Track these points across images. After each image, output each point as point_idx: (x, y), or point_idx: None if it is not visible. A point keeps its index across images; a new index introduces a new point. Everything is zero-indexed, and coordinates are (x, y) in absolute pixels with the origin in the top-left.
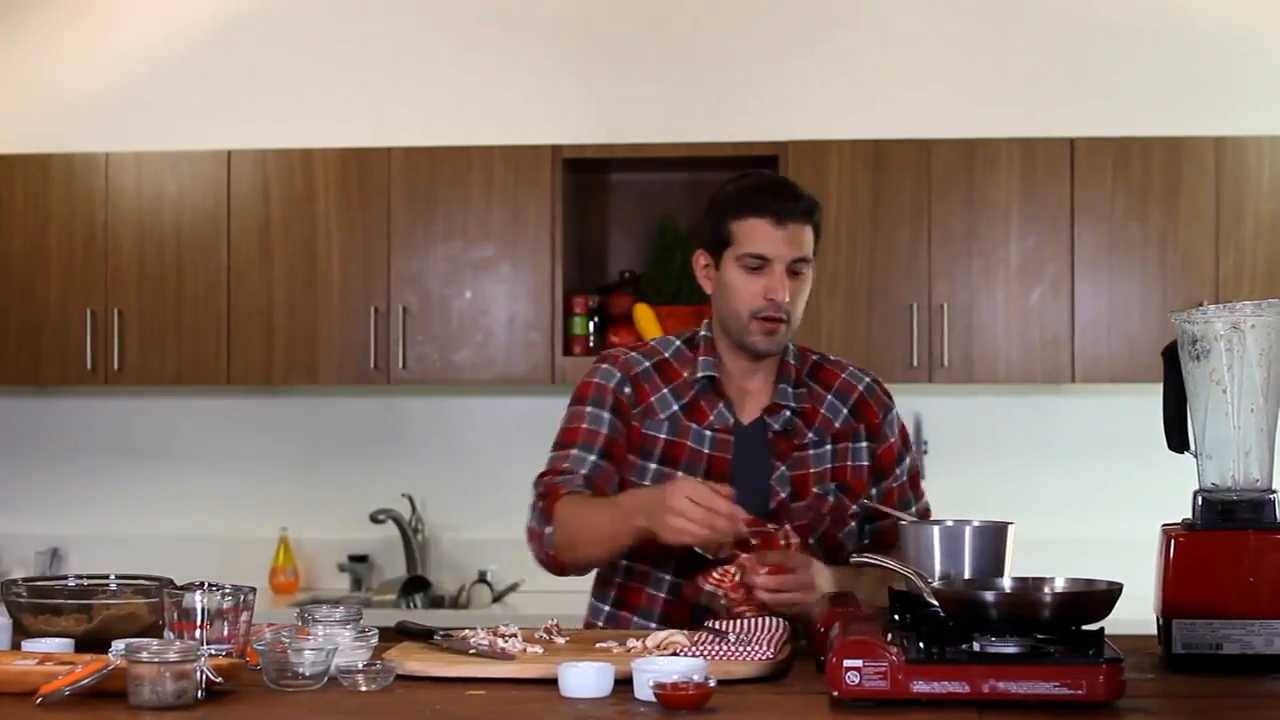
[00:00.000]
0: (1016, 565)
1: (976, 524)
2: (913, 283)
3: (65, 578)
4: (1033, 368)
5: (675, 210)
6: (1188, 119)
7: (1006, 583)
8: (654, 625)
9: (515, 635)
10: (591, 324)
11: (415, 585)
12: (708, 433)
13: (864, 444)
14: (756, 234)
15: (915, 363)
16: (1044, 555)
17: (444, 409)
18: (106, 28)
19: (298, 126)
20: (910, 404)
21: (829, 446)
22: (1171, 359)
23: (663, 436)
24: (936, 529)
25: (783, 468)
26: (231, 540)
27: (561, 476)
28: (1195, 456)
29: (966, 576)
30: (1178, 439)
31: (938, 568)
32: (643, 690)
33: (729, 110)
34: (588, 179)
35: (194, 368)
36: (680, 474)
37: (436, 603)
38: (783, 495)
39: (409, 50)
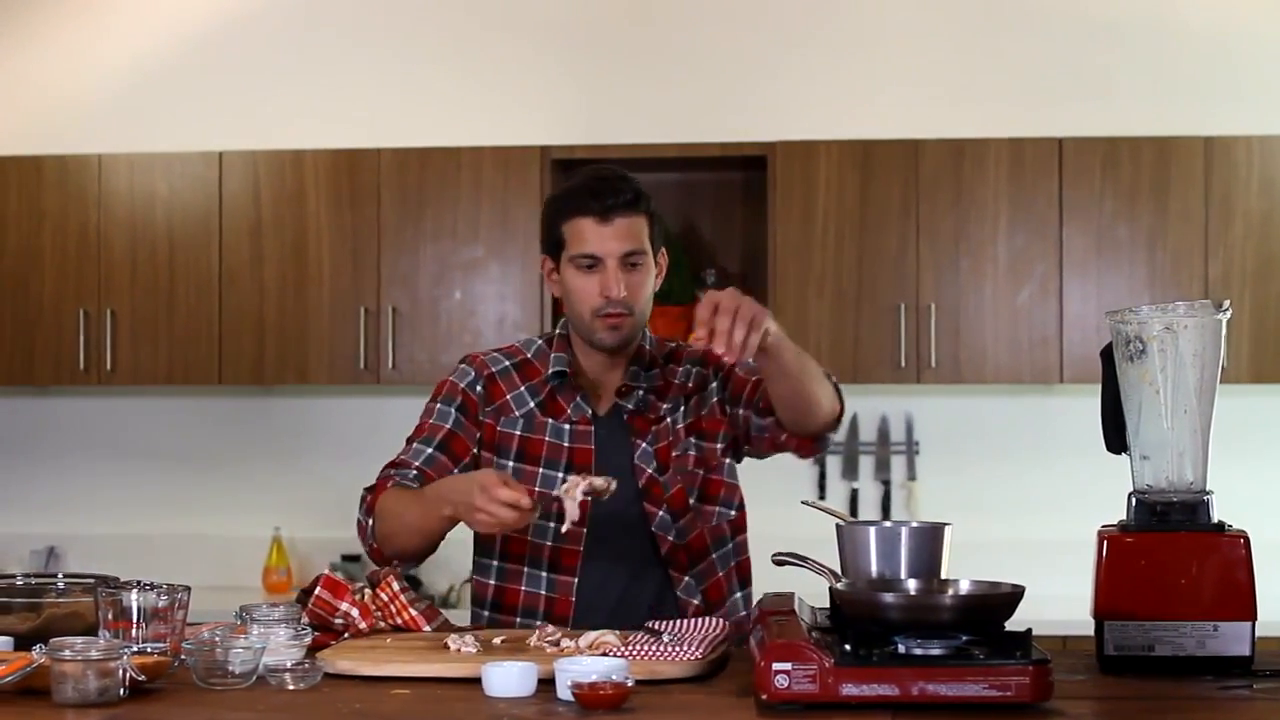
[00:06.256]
0: (1008, 565)
1: (913, 525)
2: (900, 283)
3: (14, 576)
4: (1021, 368)
5: (664, 211)
6: (1177, 119)
7: (910, 585)
8: (537, 624)
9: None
10: None
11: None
12: (566, 426)
13: (713, 383)
14: (584, 234)
15: (903, 363)
16: (1035, 555)
17: None
18: (99, 31)
19: (288, 128)
20: (899, 404)
21: (683, 407)
22: (1109, 360)
23: (517, 433)
24: (872, 529)
25: (644, 445)
26: (225, 539)
27: (397, 470)
28: (1130, 458)
29: (902, 577)
30: (1116, 440)
31: (873, 568)
32: (564, 690)
33: (718, 111)
34: None
35: (186, 368)
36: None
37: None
38: (649, 471)
39: (398, 52)
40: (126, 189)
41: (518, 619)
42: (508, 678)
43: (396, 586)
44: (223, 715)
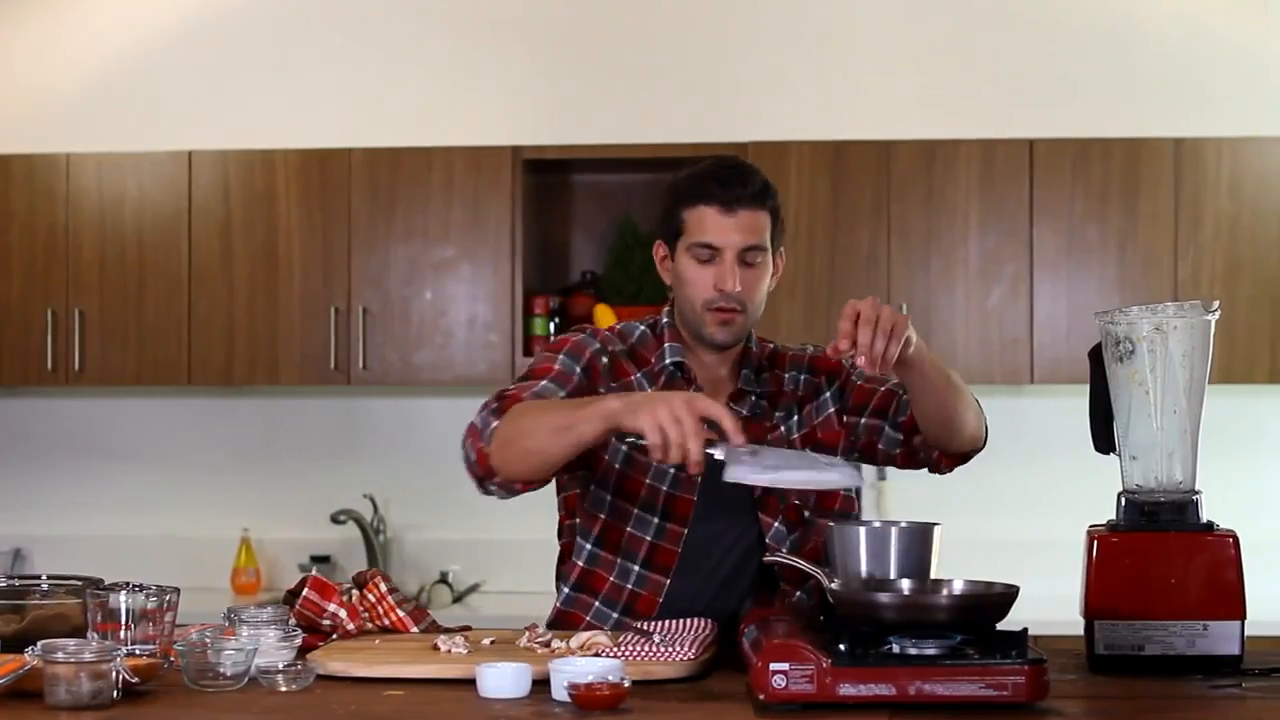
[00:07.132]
0: (977, 565)
1: (902, 525)
2: (872, 283)
3: None
4: (991, 368)
5: (636, 211)
6: (1147, 120)
7: (904, 585)
8: (614, 616)
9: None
10: (552, 325)
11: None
12: None
13: (826, 394)
14: (705, 222)
15: None
16: (1003, 555)
17: (405, 410)
18: (67, 30)
19: (258, 127)
20: None
21: (797, 416)
22: (1097, 360)
23: None
24: (862, 530)
25: None
26: (193, 541)
27: (532, 395)
28: (1119, 458)
29: (892, 577)
30: (1104, 440)
31: (863, 569)
32: (559, 691)
33: (690, 111)
34: (548, 180)
35: (155, 368)
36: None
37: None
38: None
39: (369, 51)
40: (95, 188)
41: (596, 602)
42: (502, 678)
43: (384, 587)
44: (218, 717)
